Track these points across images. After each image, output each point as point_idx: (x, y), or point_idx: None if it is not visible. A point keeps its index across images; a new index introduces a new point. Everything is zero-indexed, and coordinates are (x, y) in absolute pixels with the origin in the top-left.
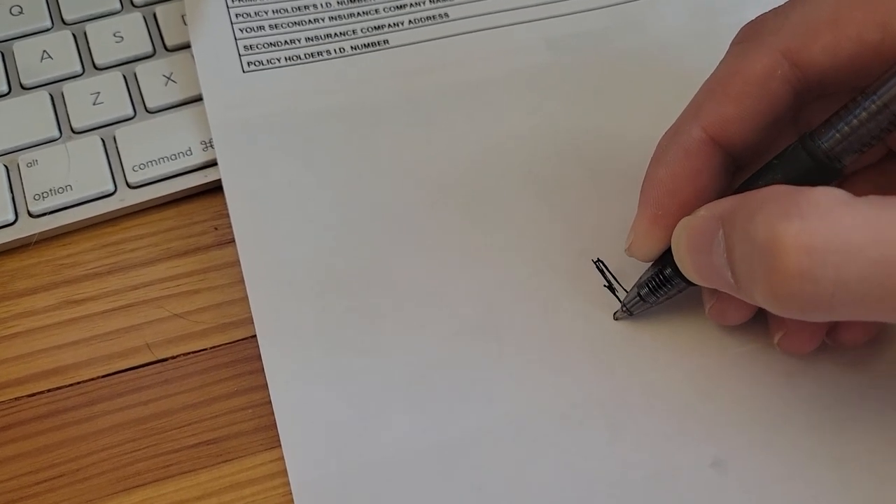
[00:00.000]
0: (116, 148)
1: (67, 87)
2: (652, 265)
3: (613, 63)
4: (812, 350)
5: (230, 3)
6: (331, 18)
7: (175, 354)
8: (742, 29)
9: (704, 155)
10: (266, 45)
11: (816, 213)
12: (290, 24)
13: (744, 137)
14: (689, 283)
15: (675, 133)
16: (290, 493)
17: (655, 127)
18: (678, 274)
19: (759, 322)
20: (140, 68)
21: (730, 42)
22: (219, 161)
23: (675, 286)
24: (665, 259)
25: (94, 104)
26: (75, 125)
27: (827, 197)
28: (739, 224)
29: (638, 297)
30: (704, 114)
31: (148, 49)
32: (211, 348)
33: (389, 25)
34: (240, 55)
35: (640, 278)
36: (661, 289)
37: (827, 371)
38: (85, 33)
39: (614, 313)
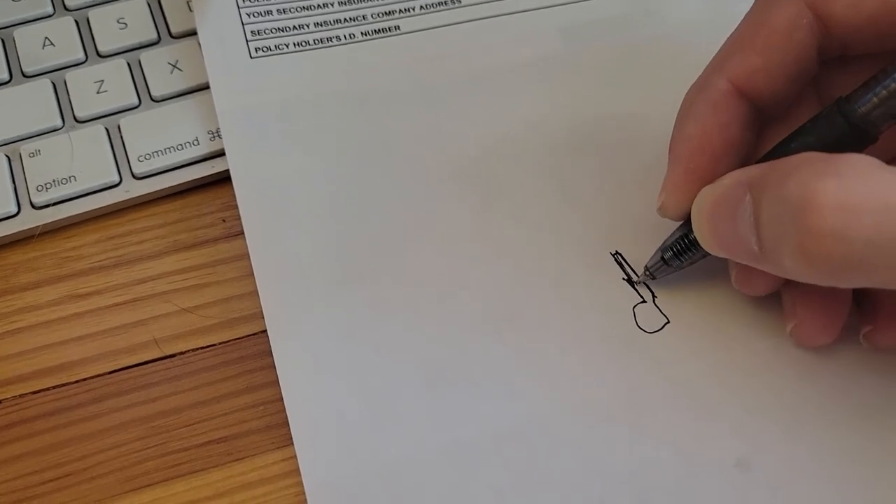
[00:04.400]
0: (121, 137)
1: (70, 75)
2: (678, 227)
3: (629, 51)
4: (826, 343)
5: None
6: (340, 3)
7: (183, 350)
8: None
9: (732, 107)
10: (274, 31)
11: (853, 173)
12: (299, 9)
13: (770, 89)
14: None
15: (701, 87)
16: (304, 493)
17: (672, 115)
18: None
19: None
20: (145, 56)
21: None
22: (226, 151)
23: (699, 251)
24: (691, 222)
25: (97, 93)
26: (78, 114)
27: (862, 160)
28: (771, 188)
29: (661, 261)
30: (730, 66)
31: (153, 36)
32: (220, 344)
33: (400, 11)
34: (247, 41)
35: (665, 242)
36: (685, 253)
37: (853, 366)
38: (88, 20)
39: (638, 276)
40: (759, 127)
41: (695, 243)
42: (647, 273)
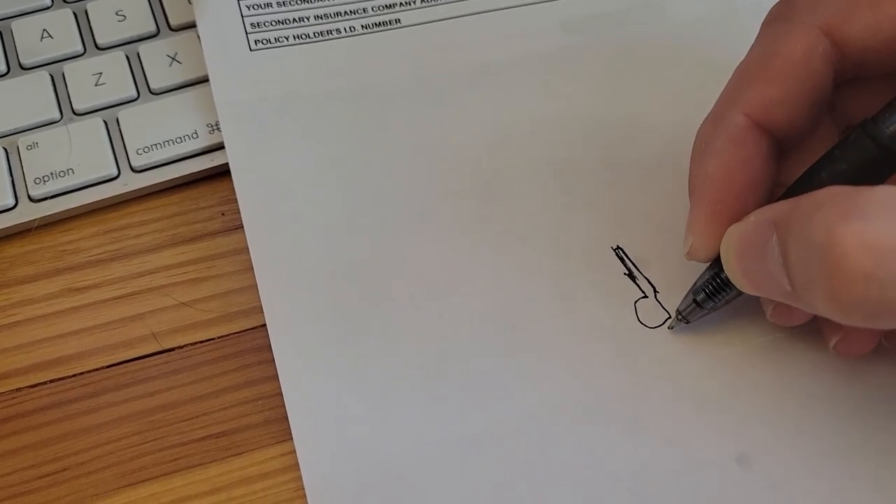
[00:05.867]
0: (119, 130)
1: (68, 68)
2: (707, 268)
3: (631, 46)
4: (870, 351)
5: None
6: None
7: (182, 344)
8: (773, 9)
9: (752, 142)
10: (274, 23)
11: (879, 212)
12: (299, 2)
13: (789, 120)
14: None
15: (717, 122)
16: (303, 488)
17: (675, 111)
18: None
19: None
20: (143, 48)
21: (749, 24)
22: (226, 144)
23: (733, 289)
24: (720, 262)
25: (95, 85)
26: (77, 107)
27: (888, 195)
28: (795, 227)
29: (694, 304)
30: (746, 99)
31: (151, 28)
32: (218, 338)
33: (401, 4)
34: (246, 33)
35: (696, 283)
36: (718, 293)
37: (854, 363)
38: (86, 11)
39: (669, 324)
40: (778, 157)
41: (727, 283)
42: (680, 317)
